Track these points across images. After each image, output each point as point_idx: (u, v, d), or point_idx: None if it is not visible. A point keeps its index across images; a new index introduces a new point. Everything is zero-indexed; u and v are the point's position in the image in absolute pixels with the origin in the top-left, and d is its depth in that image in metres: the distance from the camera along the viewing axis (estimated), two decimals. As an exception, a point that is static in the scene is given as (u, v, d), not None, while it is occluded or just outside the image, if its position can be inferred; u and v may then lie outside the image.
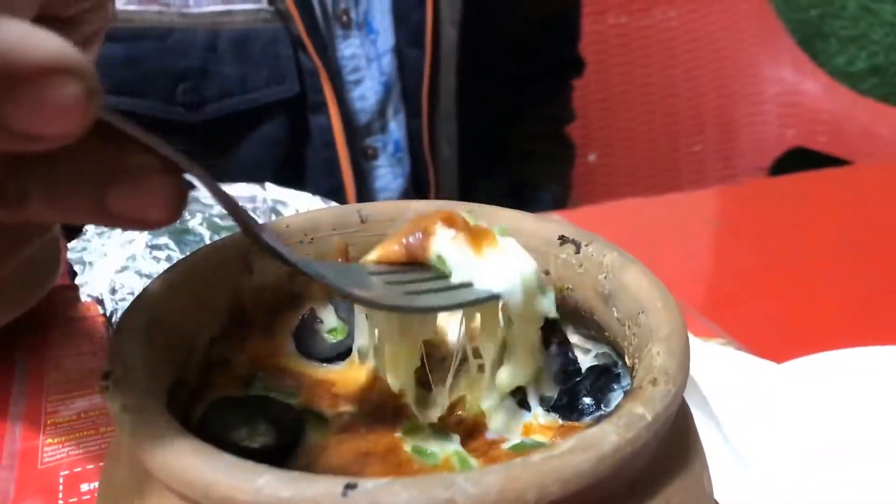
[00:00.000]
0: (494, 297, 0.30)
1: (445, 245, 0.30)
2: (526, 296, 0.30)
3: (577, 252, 0.34)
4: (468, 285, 0.30)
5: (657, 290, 0.31)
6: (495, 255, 0.30)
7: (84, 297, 0.53)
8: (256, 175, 0.78)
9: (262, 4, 0.73)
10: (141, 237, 0.55)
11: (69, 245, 0.55)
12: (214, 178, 0.24)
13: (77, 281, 0.53)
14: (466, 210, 0.33)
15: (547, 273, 0.35)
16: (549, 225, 0.36)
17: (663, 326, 0.30)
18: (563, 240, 0.35)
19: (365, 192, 0.83)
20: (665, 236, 0.73)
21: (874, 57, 1.49)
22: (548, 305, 0.31)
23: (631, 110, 1.42)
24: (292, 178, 0.79)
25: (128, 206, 0.22)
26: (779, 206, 0.80)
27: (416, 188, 0.86)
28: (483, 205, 0.37)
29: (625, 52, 1.42)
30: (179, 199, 0.23)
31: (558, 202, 0.95)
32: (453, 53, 0.81)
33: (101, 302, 0.52)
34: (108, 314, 0.52)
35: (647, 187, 1.39)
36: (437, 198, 0.86)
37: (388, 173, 0.85)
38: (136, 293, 0.51)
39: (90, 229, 0.56)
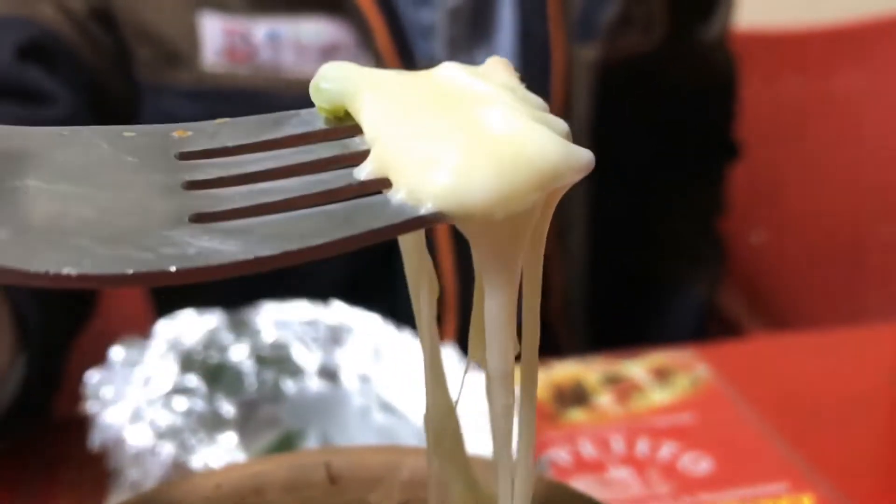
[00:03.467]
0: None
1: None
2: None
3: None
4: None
5: None
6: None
7: (93, 443, 0.44)
8: (342, 258, 0.69)
9: None
10: (167, 372, 0.46)
11: (86, 376, 0.47)
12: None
13: (91, 420, 0.45)
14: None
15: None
16: None
17: None
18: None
19: (469, 282, 0.72)
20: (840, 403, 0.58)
21: None
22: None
23: (806, 187, 1.25)
24: (384, 264, 0.70)
25: None
26: None
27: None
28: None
29: (800, 120, 1.26)
30: None
31: (705, 308, 0.82)
32: (585, 129, 0.71)
33: (109, 453, 0.44)
34: (113, 470, 0.43)
35: (821, 281, 1.22)
36: (563, 296, 0.74)
37: None
38: (143, 454, 0.42)
39: (116, 357, 0.48)
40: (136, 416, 0.44)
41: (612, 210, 0.75)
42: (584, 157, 0.22)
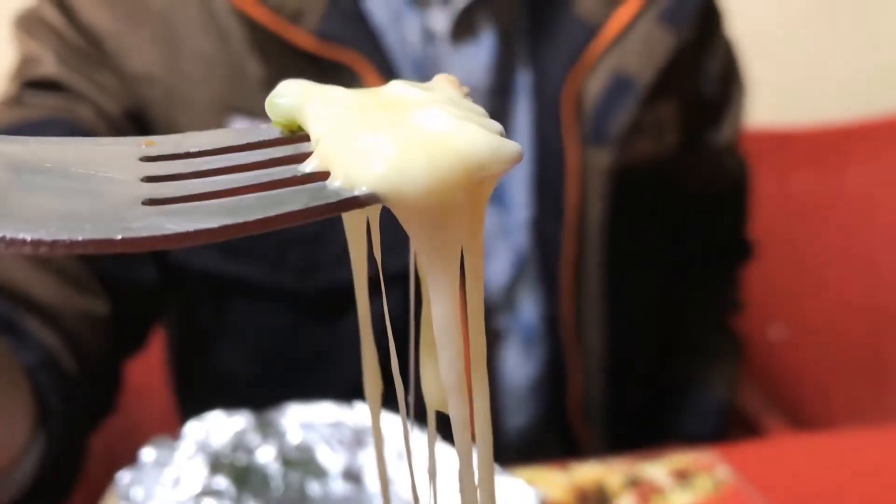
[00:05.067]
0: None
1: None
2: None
3: None
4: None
5: None
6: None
7: (123, 549, 0.45)
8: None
9: None
10: (197, 473, 0.47)
11: (117, 476, 0.48)
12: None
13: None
14: None
15: None
16: None
17: None
18: None
19: (490, 380, 0.73)
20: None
21: None
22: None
23: (823, 283, 1.25)
24: (406, 361, 0.70)
25: None
26: None
27: (553, 378, 0.75)
28: None
29: (815, 216, 1.27)
30: None
31: (723, 407, 0.82)
32: (599, 230, 0.71)
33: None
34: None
35: (841, 378, 1.21)
36: (582, 396, 0.75)
37: (515, 360, 0.74)
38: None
39: (146, 457, 0.49)
40: (164, 520, 0.44)
41: (627, 309, 0.75)
42: (511, 148, 0.24)
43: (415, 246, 0.24)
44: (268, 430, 0.51)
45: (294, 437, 0.51)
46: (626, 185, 0.72)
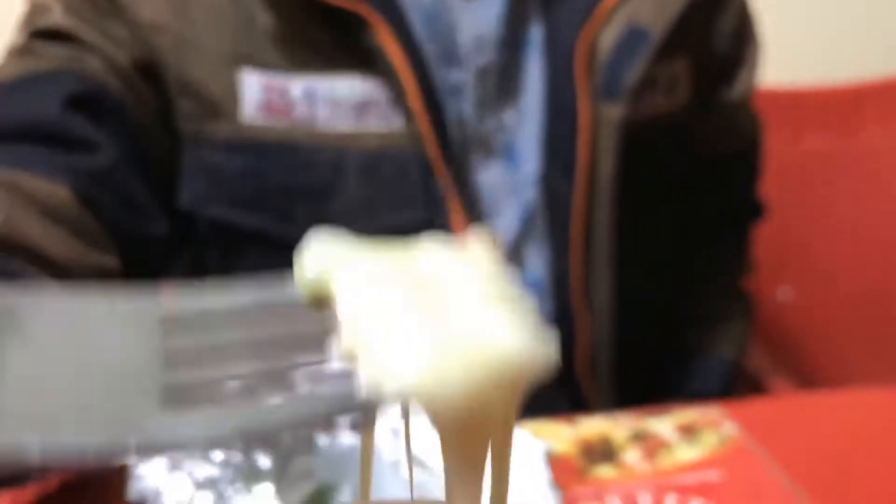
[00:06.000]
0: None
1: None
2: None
3: None
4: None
5: None
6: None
7: (133, 494, 0.45)
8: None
9: (395, 127, 0.66)
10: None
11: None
12: None
13: (131, 470, 0.46)
14: None
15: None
16: None
17: None
18: None
19: None
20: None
21: None
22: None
23: (833, 244, 1.25)
24: None
25: None
26: None
27: (561, 335, 0.75)
28: None
29: (826, 177, 1.26)
30: None
31: (730, 367, 0.82)
32: (610, 187, 0.71)
33: (147, 504, 0.45)
34: (151, 522, 0.44)
35: (849, 340, 1.21)
36: (590, 353, 0.75)
37: None
38: (184, 503, 0.43)
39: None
40: (175, 468, 0.45)
41: (636, 268, 0.75)
42: (546, 353, 0.24)
43: (441, 444, 0.23)
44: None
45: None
46: (638, 142, 0.71)
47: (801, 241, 1.25)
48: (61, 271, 0.57)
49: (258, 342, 0.21)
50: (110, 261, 0.61)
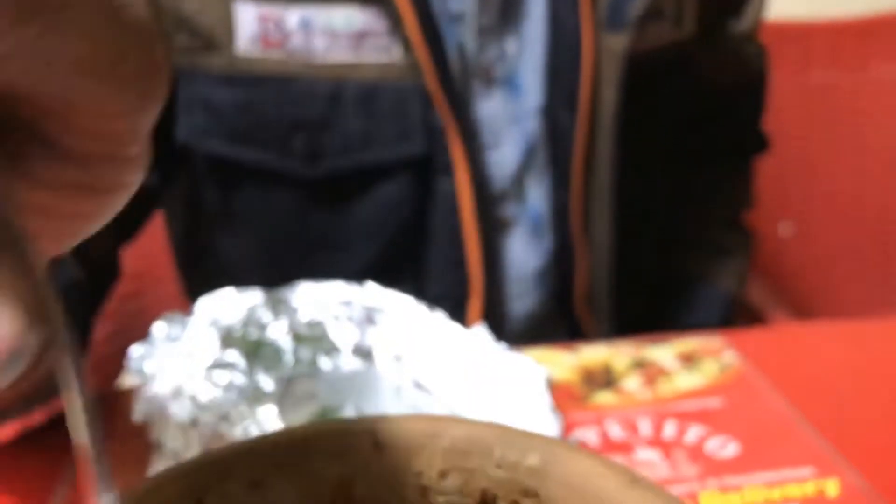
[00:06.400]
0: None
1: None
2: None
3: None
4: None
5: None
6: None
7: (137, 415, 0.46)
8: (372, 240, 0.70)
9: (393, 57, 0.66)
10: (208, 347, 0.48)
11: (130, 350, 0.49)
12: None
13: (134, 394, 0.47)
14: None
15: None
16: (645, 494, 0.24)
17: None
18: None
19: (495, 267, 0.73)
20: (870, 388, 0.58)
21: None
22: None
23: (836, 179, 1.24)
24: (412, 246, 0.70)
25: None
26: None
27: (560, 267, 0.76)
28: (553, 441, 0.26)
29: (832, 110, 1.25)
30: None
31: (730, 299, 0.82)
32: (612, 119, 0.70)
33: (151, 425, 0.45)
34: (154, 442, 0.45)
35: (849, 274, 1.21)
36: (588, 283, 0.75)
37: (523, 248, 0.74)
38: (185, 425, 0.44)
39: (158, 332, 0.50)
40: (178, 390, 0.45)
41: (637, 200, 0.75)
42: None
43: None
44: (279, 306, 0.51)
45: (305, 314, 0.51)
46: (642, 73, 0.70)
47: (804, 177, 1.25)
48: None
49: None
50: None
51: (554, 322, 0.77)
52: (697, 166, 0.84)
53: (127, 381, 0.49)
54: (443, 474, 0.25)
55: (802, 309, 1.16)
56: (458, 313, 0.69)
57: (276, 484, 0.25)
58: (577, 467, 0.26)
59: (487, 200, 0.71)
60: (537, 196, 0.74)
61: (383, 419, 0.27)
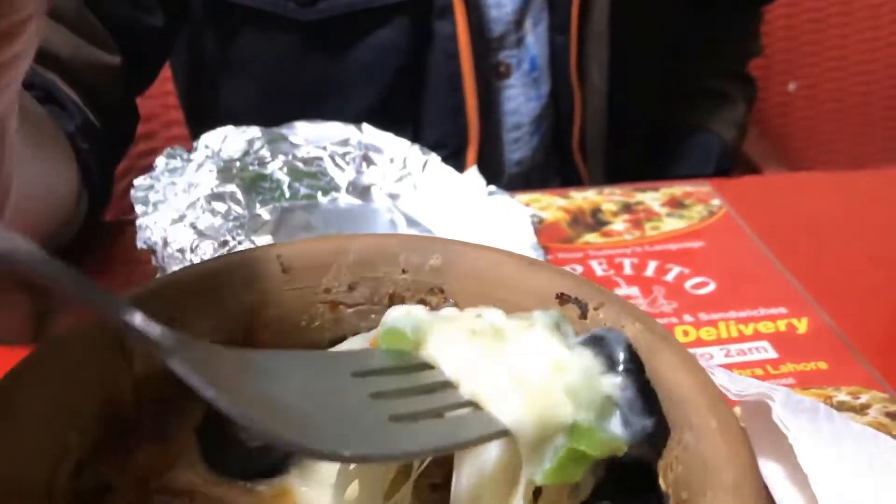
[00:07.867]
0: (503, 434, 0.23)
1: (446, 345, 0.23)
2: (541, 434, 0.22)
3: (583, 317, 0.25)
4: (476, 407, 0.24)
5: (707, 395, 0.21)
6: (517, 361, 0.23)
7: (140, 243, 0.48)
8: (370, 85, 0.71)
9: None
10: (207, 179, 0.49)
11: (135, 182, 0.51)
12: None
13: (138, 222, 0.49)
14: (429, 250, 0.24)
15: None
16: (543, 275, 0.26)
17: (726, 468, 0.20)
18: (562, 298, 0.26)
19: (492, 114, 0.74)
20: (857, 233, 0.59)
21: None
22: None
23: (848, 34, 1.22)
24: (410, 92, 0.71)
25: None
26: None
27: (555, 114, 0.76)
28: (454, 241, 0.28)
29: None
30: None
31: (728, 149, 0.82)
32: None
33: (154, 252, 0.47)
34: (158, 268, 0.47)
35: (856, 128, 1.21)
36: (581, 127, 0.76)
37: (520, 94, 0.75)
38: (185, 251, 0.46)
39: (160, 165, 0.51)
40: (179, 218, 0.47)
41: (632, 50, 0.75)
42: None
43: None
44: (277, 143, 0.53)
45: (303, 151, 0.53)
46: None
47: (813, 37, 1.23)
48: (66, 69, 0.58)
49: (407, 390, 0.25)
50: (111, 58, 0.62)
51: (549, 170, 0.79)
52: (702, 16, 0.83)
53: (133, 211, 0.51)
54: (351, 287, 0.27)
55: (800, 164, 1.16)
56: (456, 162, 0.71)
57: (190, 320, 0.27)
58: (477, 261, 0.28)
59: (486, 45, 0.71)
60: (535, 42, 0.74)
61: (290, 244, 0.28)
